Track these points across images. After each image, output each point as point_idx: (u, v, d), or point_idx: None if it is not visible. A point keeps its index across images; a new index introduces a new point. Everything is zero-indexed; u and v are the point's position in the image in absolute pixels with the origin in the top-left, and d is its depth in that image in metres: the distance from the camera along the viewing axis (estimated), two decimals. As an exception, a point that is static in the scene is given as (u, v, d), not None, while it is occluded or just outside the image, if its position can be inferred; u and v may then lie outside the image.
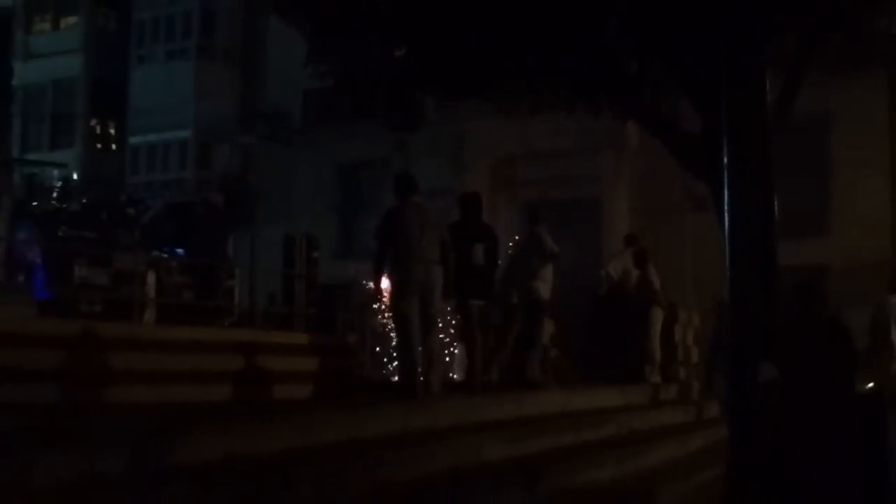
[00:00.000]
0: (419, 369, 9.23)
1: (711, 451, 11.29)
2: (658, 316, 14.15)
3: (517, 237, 14.87)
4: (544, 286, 12.27)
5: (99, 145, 32.97)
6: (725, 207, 4.21)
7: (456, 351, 16.64)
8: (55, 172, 15.31)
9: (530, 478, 8.16)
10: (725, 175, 4.13)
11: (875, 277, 16.06)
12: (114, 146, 32.45)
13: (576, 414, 11.08)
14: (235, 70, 28.52)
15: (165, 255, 12.23)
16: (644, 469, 9.79)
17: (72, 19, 33.26)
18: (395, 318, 10.10)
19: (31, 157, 22.93)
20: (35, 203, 12.25)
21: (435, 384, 9.37)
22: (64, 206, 12.53)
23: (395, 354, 12.28)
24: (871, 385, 9.34)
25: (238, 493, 5.67)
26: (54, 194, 12.91)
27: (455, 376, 14.76)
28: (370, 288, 13.07)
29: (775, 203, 4.50)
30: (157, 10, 29.95)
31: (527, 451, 8.88)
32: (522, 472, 8.28)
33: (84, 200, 13.42)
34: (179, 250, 12.32)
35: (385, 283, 10.31)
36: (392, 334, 14.34)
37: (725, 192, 4.17)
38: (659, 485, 9.31)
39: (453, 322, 14.16)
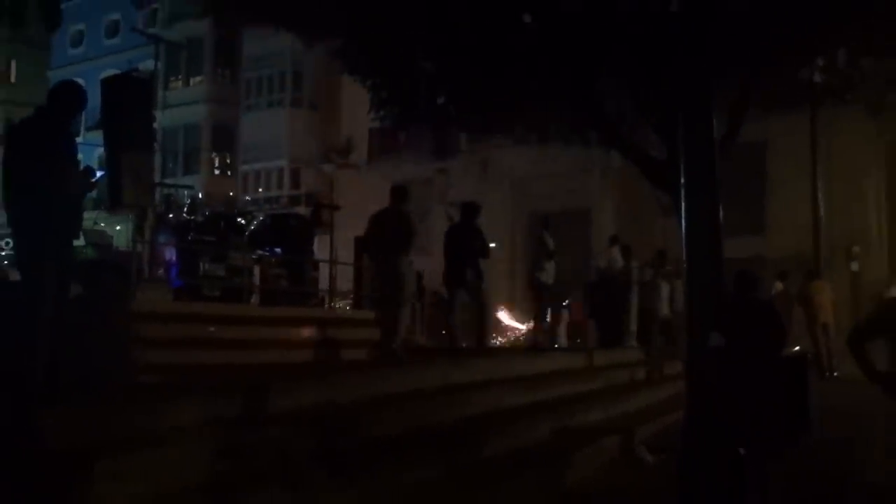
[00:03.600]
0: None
1: (674, 399, 11.20)
2: (634, 297, 14.09)
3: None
4: (546, 275, 12.48)
5: (217, 172, 33.42)
6: (683, 215, 4.14)
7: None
8: (185, 192, 15.44)
9: (547, 417, 8.14)
10: (683, 191, 4.07)
11: (798, 266, 15.97)
12: (229, 173, 32.93)
13: (573, 371, 11.01)
14: (317, 114, 28.79)
15: (266, 254, 12.32)
16: (624, 413, 9.73)
17: (198, 78, 33.66)
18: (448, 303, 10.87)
19: (168, 181, 23.11)
20: (171, 215, 12.38)
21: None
22: (192, 217, 12.65)
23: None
24: (797, 348, 9.19)
25: (323, 432, 5.68)
26: (185, 209, 13.04)
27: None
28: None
29: (720, 211, 4.42)
30: (260, 71, 30.39)
31: (540, 398, 8.85)
32: (541, 412, 8.26)
33: (207, 213, 13.53)
34: (277, 250, 12.41)
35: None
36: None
37: (683, 203, 4.11)
38: (636, 424, 9.24)
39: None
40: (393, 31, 7.50)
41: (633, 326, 14.08)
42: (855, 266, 18.68)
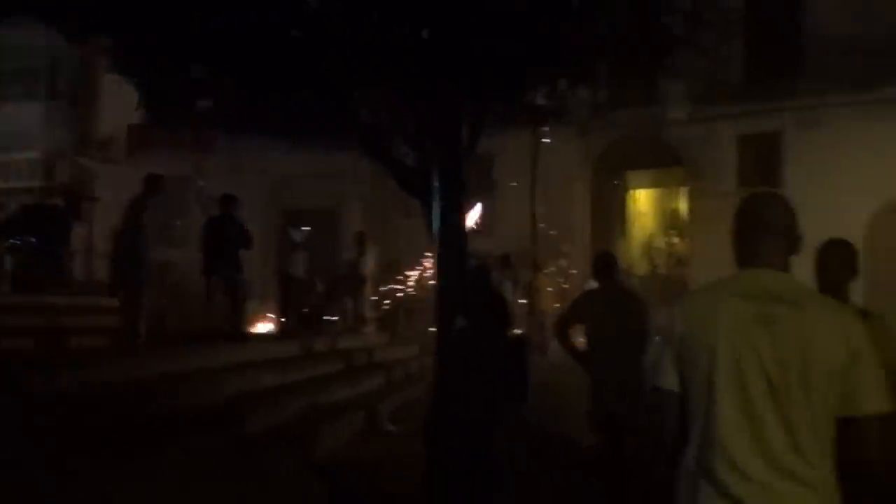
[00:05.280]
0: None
1: (410, 378, 11.72)
2: (368, 288, 14.57)
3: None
4: (294, 268, 12.69)
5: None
6: (433, 216, 4.42)
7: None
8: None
9: (298, 396, 8.25)
10: (436, 195, 4.36)
11: (519, 261, 17.11)
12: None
13: (321, 354, 11.22)
14: (75, 107, 26.92)
15: (19, 242, 11.46)
16: (368, 391, 10.07)
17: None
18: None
19: None
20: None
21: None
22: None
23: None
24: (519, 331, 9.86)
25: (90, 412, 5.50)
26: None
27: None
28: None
29: (465, 214, 4.76)
30: (15, 63, 27.96)
31: (291, 380, 8.96)
32: (293, 392, 8.36)
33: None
34: (33, 239, 11.60)
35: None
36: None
37: (434, 206, 4.39)
38: (378, 400, 9.61)
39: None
40: (164, 37, 7.30)
41: (370, 313, 14.49)
42: (564, 262, 20.32)
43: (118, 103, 14.42)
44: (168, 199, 12.07)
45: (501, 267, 15.21)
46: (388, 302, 17.00)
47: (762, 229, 2.26)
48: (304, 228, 14.72)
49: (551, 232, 19.94)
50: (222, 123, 11.18)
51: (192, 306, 13.38)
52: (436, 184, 4.32)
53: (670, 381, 2.22)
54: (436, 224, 4.39)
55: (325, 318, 15.47)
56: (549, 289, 16.73)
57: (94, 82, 23.42)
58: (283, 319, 13.75)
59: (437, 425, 4.17)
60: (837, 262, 3.29)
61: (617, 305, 5.82)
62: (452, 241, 4.34)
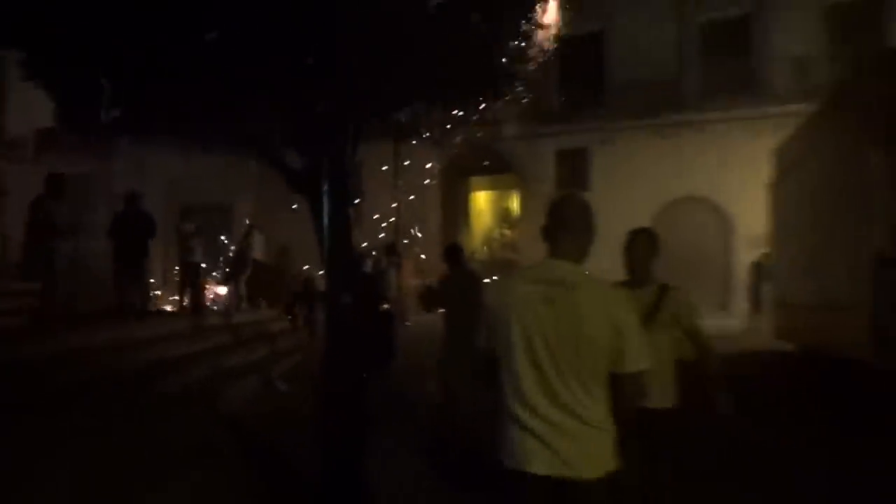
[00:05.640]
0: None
1: (299, 346, 11.63)
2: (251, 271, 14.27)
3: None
4: (193, 256, 12.29)
5: None
6: (324, 212, 4.49)
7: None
8: None
9: (202, 363, 8.08)
10: (327, 196, 4.44)
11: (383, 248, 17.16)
12: None
13: (219, 327, 10.95)
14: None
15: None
16: (262, 357, 9.94)
17: None
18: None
19: None
20: None
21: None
22: None
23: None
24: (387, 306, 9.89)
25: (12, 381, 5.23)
26: None
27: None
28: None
29: (350, 211, 4.83)
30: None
31: (194, 349, 8.74)
32: (200, 359, 8.17)
33: None
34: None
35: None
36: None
37: (326, 205, 4.46)
38: (271, 364, 9.52)
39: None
40: (73, 53, 6.89)
41: (245, 292, 14.19)
42: (417, 249, 20.63)
43: (26, 104, 13.41)
44: (73, 195, 11.37)
45: (387, 254, 15.27)
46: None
47: (561, 226, 2.37)
48: (191, 224, 14.27)
49: (411, 227, 20.17)
50: (128, 130, 10.63)
51: (103, 289, 12.72)
52: (325, 186, 4.40)
53: (483, 342, 2.39)
54: (326, 219, 4.48)
55: (218, 296, 15.06)
56: (409, 270, 16.99)
57: (2, 85, 21.57)
58: (184, 300, 13.27)
59: (329, 381, 4.30)
60: (641, 246, 3.27)
61: (464, 286, 6.12)
62: (340, 233, 4.45)
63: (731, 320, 15.50)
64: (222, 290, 14.74)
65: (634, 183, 19.63)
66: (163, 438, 5.27)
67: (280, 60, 6.63)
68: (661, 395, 3.14)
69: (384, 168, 19.65)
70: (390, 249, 15.59)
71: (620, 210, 18.05)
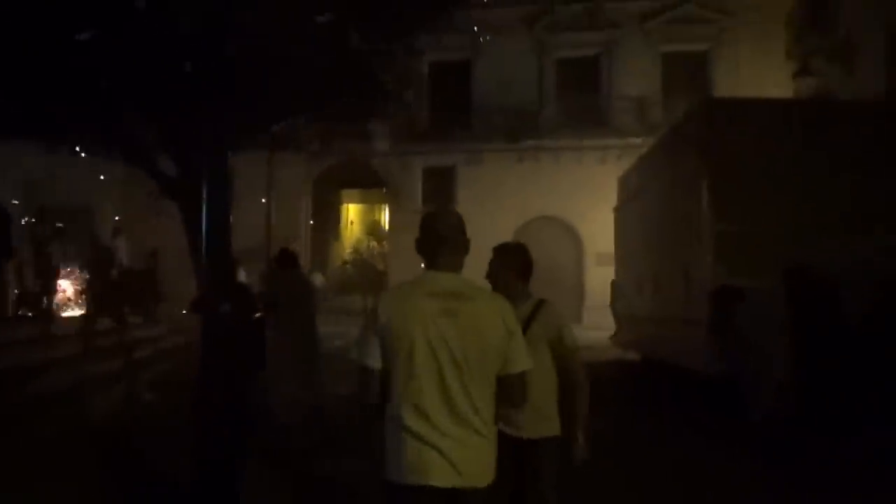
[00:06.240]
0: None
1: (161, 354, 11.10)
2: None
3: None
4: (50, 259, 11.43)
5: None
6: (204, 220, 4.34)
7: None
8: None
9: (66, 369, 7.51)
10: (205, 203, 4.29)
11: (255, 255, 16.65)
12: None
13: (79, 333, 10.21)
14: None
15: None
16: (127, 364, 9.37)
17: None
18: None
19: None
20: None
21: None
22: None
23: None
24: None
25: None
26: None
27: None
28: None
29: (230, 218, 4.68)
30: None
31: (57, 355, 8.11)
32: (61, 366, 7.58)
33: None
34: None
35: None
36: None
37: (204, 210, 4.31)
38: (139, 371, 9.03)
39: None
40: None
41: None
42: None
43: None
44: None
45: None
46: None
47: (437, 240, 2.32)
48: (58, 225, 13.24)
49: (283, 234, 19.68)
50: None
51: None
52: (204, 193, 4.25)
53: (376, 361, 2.24)
54: (204, 226, 4.31)
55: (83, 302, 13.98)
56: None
57: None
58: (43, 305, 12.22)
59: (205, 388, 4.15)
60: (514, 261, 3.10)
61: (295, 289, 6.25)
62: (219, 240, 4.30)
63: (585, 332, 16.34)
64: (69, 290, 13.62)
65: (497, 201, 20.31)
66: (21, 448, 4.86)
67: (158, 66, 6.36)
68: (538, 422, 2.94)
69: (256, 178, 19.08)
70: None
71: (485, 226, 18.49)
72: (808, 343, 6.01)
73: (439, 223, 2.37)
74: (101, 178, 18.42)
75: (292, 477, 5.08)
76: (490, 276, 3.09)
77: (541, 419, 2.95)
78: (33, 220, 15.66)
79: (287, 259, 6.52)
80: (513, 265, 3.09)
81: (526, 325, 2.86)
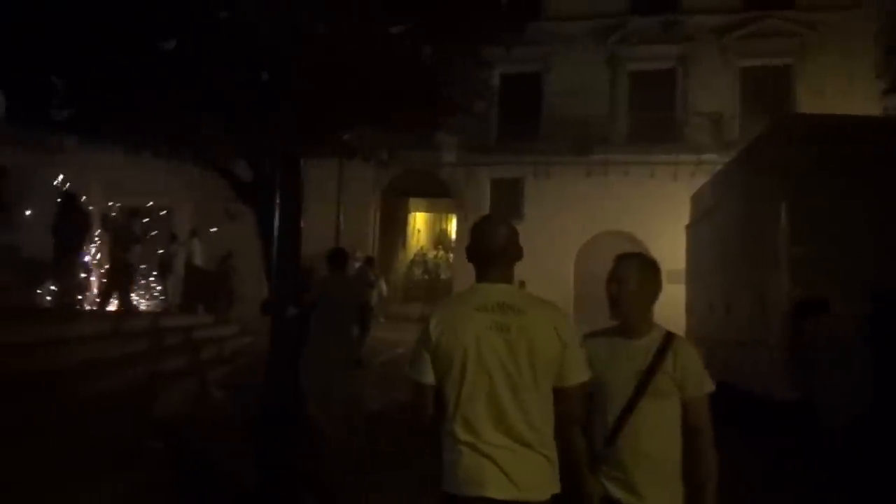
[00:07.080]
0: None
1: (235, 353, 11.39)
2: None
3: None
4: (129, 257, 11.89)
5: None
6: (275, 223, 4.44)
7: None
8: None
9: (140, 363, 7.78)
10: (278, 208, 4.39)
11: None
12: None
13: (162, 329, 10.59)
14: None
15: None
16: (199, 361, 9.65)
17: None
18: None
19: None
20: None
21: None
22: None
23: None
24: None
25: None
26: None
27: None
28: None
29: (301, 222, 4.78)
30: None
31: (133, 350, 8.41)
32: (134, 361, 7.85)
33: None
34: None
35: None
36: None
37: (277, 215, 4.41)
38: (208, 369, 9.27)
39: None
40: (32, 52, 6.65)
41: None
42: (357, 265, 20.51)
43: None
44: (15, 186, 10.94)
45: (369, 266, 15.11)
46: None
47: (486, 253, 2.30)
48: (144, 221, 13.79)
49: (351, 241, 20.02)
50: (76, 130, 10.22)
51: (39, 284, 12.14)
52: (277, 199, 4.36)
53: (429, 377, 2.23)
54: (276, 231, 4.43)
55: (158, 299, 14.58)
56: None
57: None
58: (119, 301, 12.73)
59: (273, 384, 4.24)
60: (636, 278, 2.55)
61: (341, 290, 5.98)
62: (289, 244, 4.41)
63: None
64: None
65: (565, 214, 20.05)
66: (98, 438, 5.06)
67: (237, 75, 6.58)
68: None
69: (326, 186, 19.45)
70: (370, 262, 15.44)
71: (550, 239, 18.41)
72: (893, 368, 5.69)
73: (488, 237, 2.33)
74: (180, 181, 19.12)
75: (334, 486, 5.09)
76: (617, 292, 2.51)
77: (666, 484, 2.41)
78: (113, 214, 16.36)
79: (335, 259, 6.18)
80: (630, 283, 2.49)
81: (650, 374, 2.44)
